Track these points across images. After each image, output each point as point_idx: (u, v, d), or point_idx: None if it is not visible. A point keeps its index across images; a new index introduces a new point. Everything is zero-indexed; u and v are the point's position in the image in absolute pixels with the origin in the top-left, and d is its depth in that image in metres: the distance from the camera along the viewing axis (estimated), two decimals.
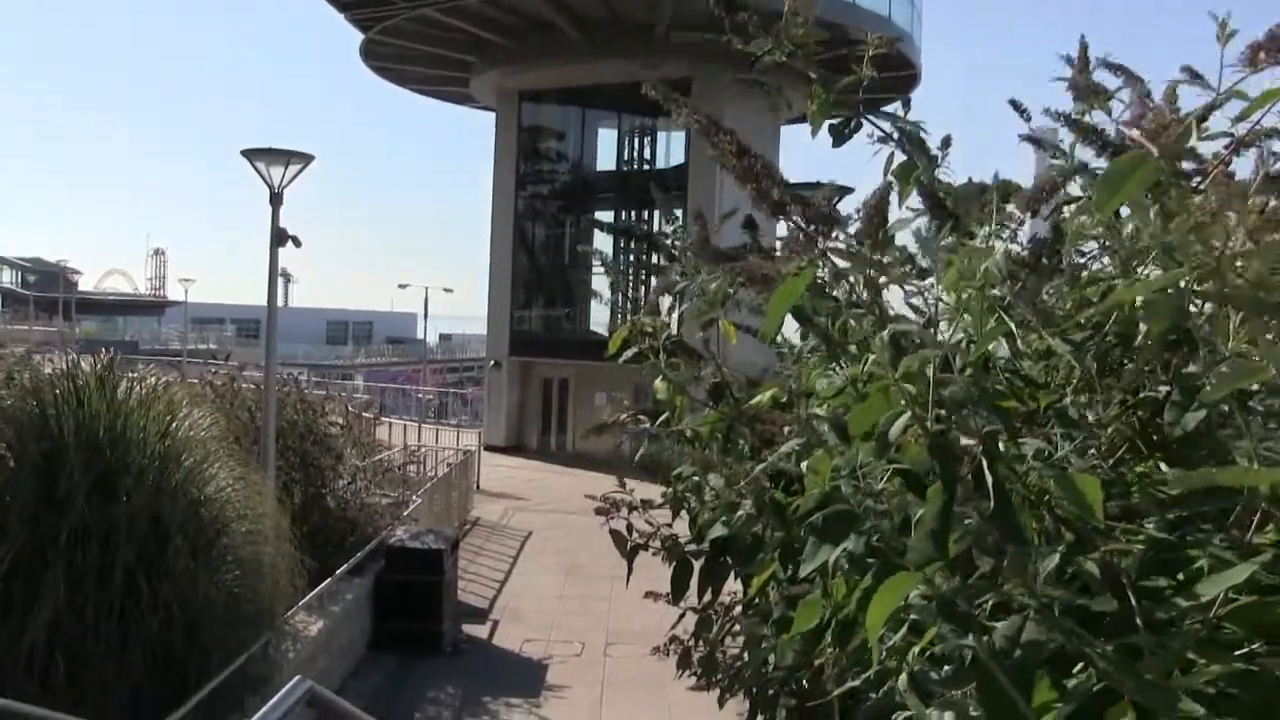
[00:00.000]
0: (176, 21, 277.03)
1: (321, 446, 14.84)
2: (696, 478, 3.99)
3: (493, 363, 35.92)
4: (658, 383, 3.66)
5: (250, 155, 13.20)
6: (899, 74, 32.73)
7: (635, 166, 36.16)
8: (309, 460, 14.53)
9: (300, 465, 14.40)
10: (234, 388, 14.68)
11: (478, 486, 26.44)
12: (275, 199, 13.25)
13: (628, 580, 3.83)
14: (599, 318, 36.17)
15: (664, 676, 13.88)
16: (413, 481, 20.58)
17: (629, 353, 3.66)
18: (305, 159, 13.35)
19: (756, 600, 3.78)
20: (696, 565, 3.92)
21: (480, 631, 15.25)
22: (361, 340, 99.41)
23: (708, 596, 4.09)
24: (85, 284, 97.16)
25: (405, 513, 16.23)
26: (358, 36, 35.45)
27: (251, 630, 9.33)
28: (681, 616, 4.57)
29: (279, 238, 13.32)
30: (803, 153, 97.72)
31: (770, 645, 3.52)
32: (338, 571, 12.56)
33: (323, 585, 11.98)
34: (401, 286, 78.60)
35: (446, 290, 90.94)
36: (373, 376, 56.89)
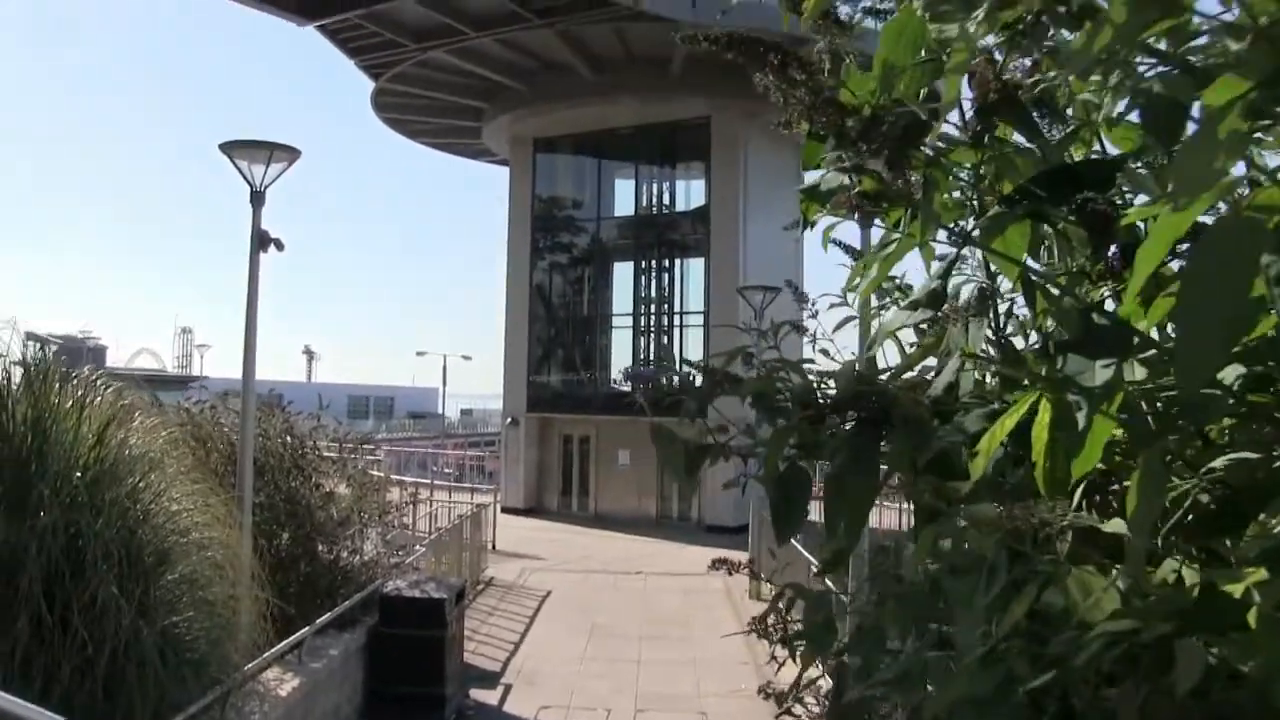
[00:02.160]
0: (190, 82, 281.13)
1: (310, 484, 13.04)
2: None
3: (510, 420, 34.10)
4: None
5: (228, 149, 11.60)
6: None
7: (655, 212, 34.56)
8: (295, 498, 12.73)
9: (286, 503, 12.61)
10: (213, 417, 12.90)
11: (493, 546, 24.53)
12: (256, 198, 11.60)
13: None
14: (620, 370, 34.49)
15: None
16: (419, 537, 18.78)
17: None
18: (290, 154, 11.72)
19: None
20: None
21: (490, 697, 13.30)
22: (383, 414, 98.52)
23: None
24: (116, 360, 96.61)
25: (408, 560, 14.38)
26: (369, 87, 34.34)
27: (197, 685, 7.50)
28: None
29: (261, 241, 11.65)
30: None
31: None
32: (318, 620, 10.68)
33: (298, 634, 10.11)
34: (419, 354, 77.94)
35: (465, 358, 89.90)
36: (394, 450, 55.23)
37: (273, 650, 9.27)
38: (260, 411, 13.31)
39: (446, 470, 40.90)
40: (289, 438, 13.31)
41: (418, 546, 15.81)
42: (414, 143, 40.41)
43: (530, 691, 13.61)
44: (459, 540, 19.36)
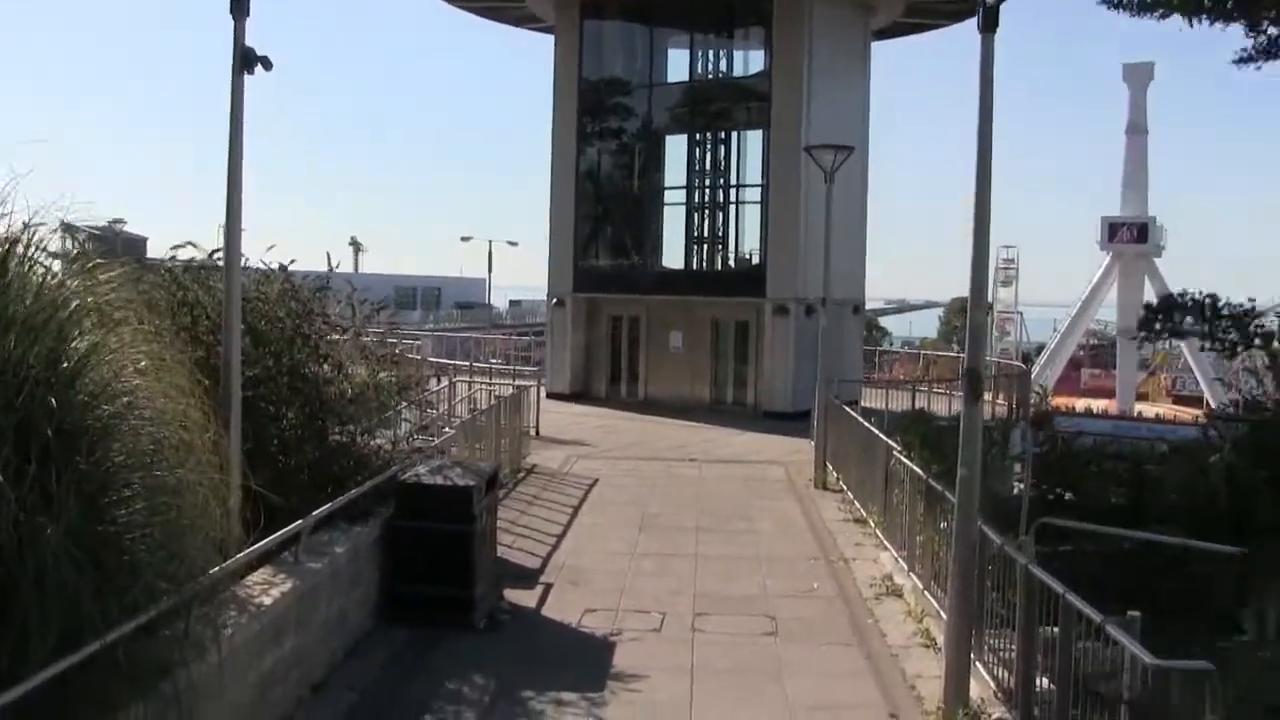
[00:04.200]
0: None
1: (317, 354, 11.25)
2: None
3: (555, 301, 32.19)
4: None
5: None
6: None
7: (711, 77, 32.05)
8: (299, 371, 10.96)
9: (289, 377, 10.85)
10: (203, 279, 11.03)
11: (536, 432, 22.86)
12: (237, 6, 9.55)
13: None
14: (673, 249, 32.37)
15: (779, 659, 10.20)
16: (456, 420, 17.07)
17: None
18: None
19: None
20: None
21: (528, 599, 11.63)
22: (430, 305, 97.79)
23: None
24: (158, 252, 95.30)
25: (434, 444, 12.63)
26: None
27: (132, 596, 5.77)
28: None
29: (244, 60, 9.64)
30: (891, 72, 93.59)
31: None
32: (315, 513, 8.92)
33: (289, 529, 8.36)
34: (464, 239, 75.75)
35: (511, 243, 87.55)
36: (437, 335, 53.80)
37: (252, 548, 7.55)
38: (260, 275, 11.56)
39: (492, 360, 39.20)
40: (293, 303, 11.47)
41: (446, 429, 14.04)
42: (455, 9, 37.70)
43: (574, 592, 11.94)
44: (496, 425, 17.64)
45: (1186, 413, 45.14)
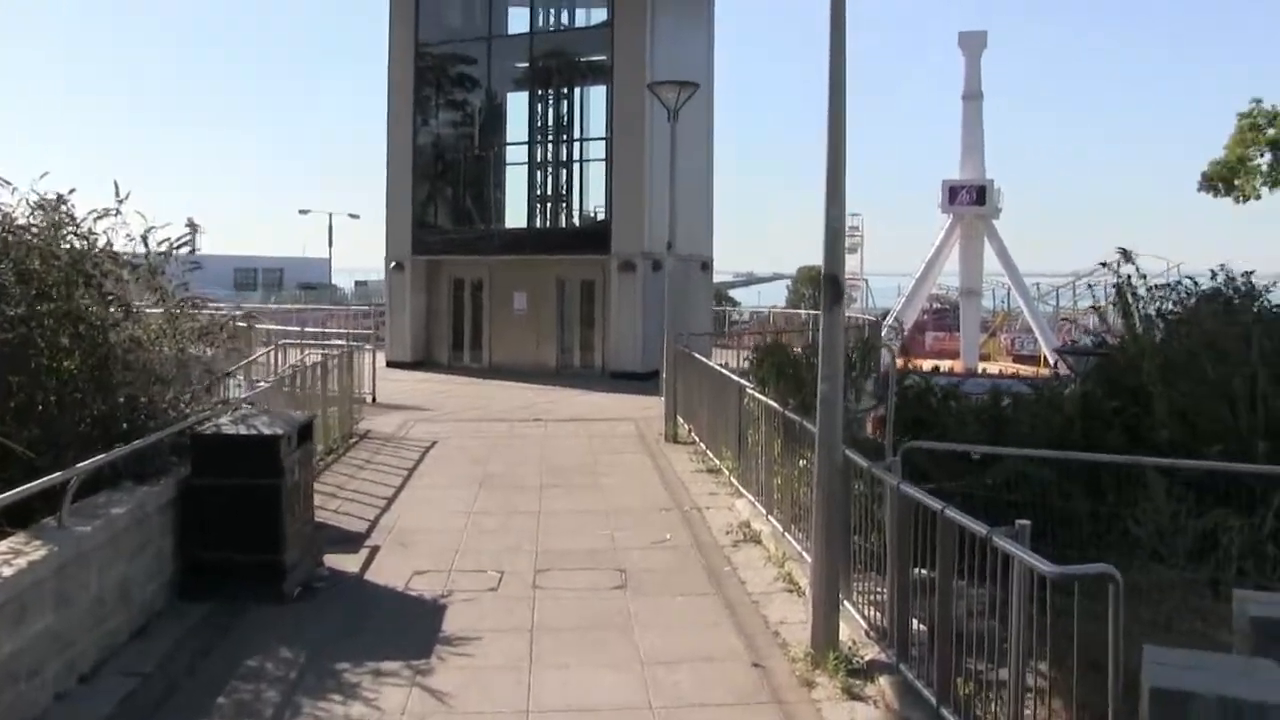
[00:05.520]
0: None
1: (101, 296, 9.83)
2: None
3: (393, 264, 30.65)
4: None
5: None
6: None
7: (553, 28, 30.93)
8: (79, 316, 9.53)
9: (69, 320, 9.42)
10: None
11: (372, 399, 21.58)
12: None
13: None
14: (516, 209, 31.10)
15: (629, 613, 9.09)
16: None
17: None
18: None
19: None
20: None
21: (350, 564, 10.42)
22: (272, 286, 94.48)
23: None
24: None
25: (242, 395, 11.30)
26: None
27: None
28: None
29: None
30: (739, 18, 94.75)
31: None
32: (79, 466, 7.58)
33: (35, 484, 7.03)
34: (303, 212, 73.18)
35: (353, 216, 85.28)
36: (276, 314, 51.23)
37: None
38: (32, 205, 10.06)
39: (336, 342, 37.27)
40: (73, 238, 10.00)
41: (261, 383, 12.68)
42: None
43: (402, 554, 10.80)
44: (324, 386, 16.29)
45: (1027, 370, 46.04)
